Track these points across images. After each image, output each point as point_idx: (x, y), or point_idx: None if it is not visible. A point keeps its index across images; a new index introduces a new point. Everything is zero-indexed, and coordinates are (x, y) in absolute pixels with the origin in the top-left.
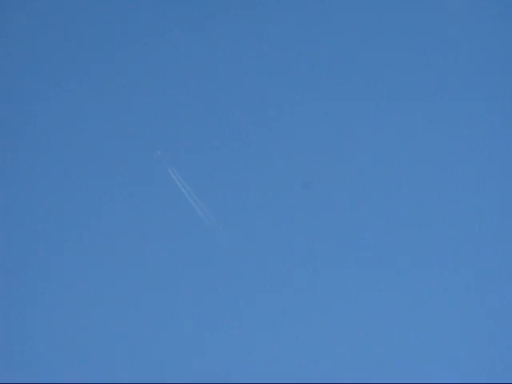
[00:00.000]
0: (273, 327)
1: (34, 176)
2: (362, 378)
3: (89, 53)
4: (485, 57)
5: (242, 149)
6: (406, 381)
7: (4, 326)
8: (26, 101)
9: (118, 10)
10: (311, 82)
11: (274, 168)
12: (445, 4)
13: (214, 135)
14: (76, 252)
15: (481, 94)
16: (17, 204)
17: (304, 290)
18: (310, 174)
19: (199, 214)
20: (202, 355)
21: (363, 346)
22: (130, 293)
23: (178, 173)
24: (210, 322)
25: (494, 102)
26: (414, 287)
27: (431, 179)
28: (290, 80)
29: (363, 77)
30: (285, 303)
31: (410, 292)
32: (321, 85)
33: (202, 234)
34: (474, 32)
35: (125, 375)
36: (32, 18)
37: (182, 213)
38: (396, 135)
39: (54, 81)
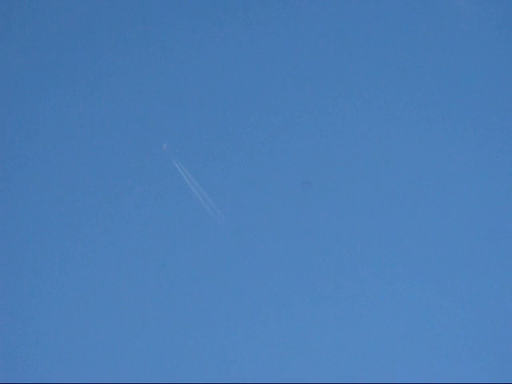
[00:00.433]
0: (273, 327)
1: (47, 173)
2: (362, 378)
3: (98, 50)
4: (485, 58)
5: (244, 138)
6: (406, 381)
7: (4, 325)
8: (34, 98)
9: (128, 7)
10: (311, 82)
11: (277, 163)
12: (445, 5)
13: (217, 129)
14: (84, 246)
15: (481, 93)
16: (30, 204)
17: (304, 290)
18: (310, 173)
19: (204, 207)
20: (209, 353)
21: (363, 346)
22: (137, 289)
23: (184, 165)
24: (217, 315)
25: (494, 102)
26: (414, 287)
27: (431, 179)
28: (290, 79)
29: (363, 77)
30: (285, 302)
31: (410, 292)
32: (321, 85)
33: (206, 226)
34: (474, 34)
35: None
36: (34, 20)
37: (188, 205)
38: (396, 135)
39: (64, 76)
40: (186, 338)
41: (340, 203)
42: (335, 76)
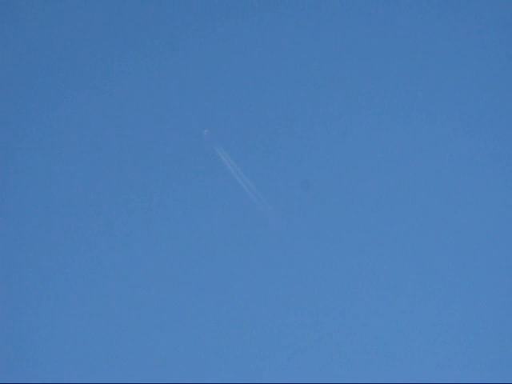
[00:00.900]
0: (273, 326)
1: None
2: (363, 378)
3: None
4: (485, 59)
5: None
6: (405, 381)
7: (4, 325)
8: (58, 99)
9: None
10: (312, 82)
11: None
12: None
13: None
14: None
15: (481, 94)
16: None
17: (305, 289)
18: (310, 174)
19: (248, 194)
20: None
21: (364, 346)
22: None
23: (226, 152)
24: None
25: (493, 103)
26: (414, 287)
27: (431, 180)
28: (292, 80)
29: (364, 77)
30: (286, 301)
31: (410, 292)
32: (322, 86)
33: (251, 215)
34: (473, 36)
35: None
36: (34, 20)
37: (231, 193)
38: (396, 136)
39: (99, 77)
40: (185, 340)
41: (342, 203)
42: (337, 77)
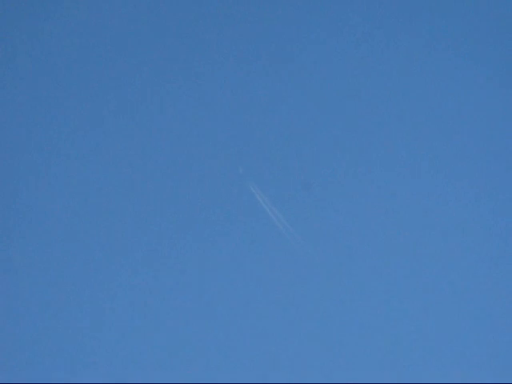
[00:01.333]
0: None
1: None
2: (362, 378)
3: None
4: (486, 59)
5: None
6: (406, 381)
7: (4, 326)
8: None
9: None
10: (312, 83)
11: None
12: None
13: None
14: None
15: (481, 94)
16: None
17: (305, 289)
18: (310, 174)
19: (283, 232)
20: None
21: (364, 346)
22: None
23: (259, 189)
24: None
25: (494, 103)
26: (414, 287)
27: (431, 180)
28: (291, 79)
29: (364, 77)
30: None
31: (410, 292)
32: (322, 86)
33: (284, 250)
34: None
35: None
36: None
37: (266, 231)
38: (397, 136)
39: (122, 84)
40: (186, 339)
41: (342, 203)
42: (337, 77)
